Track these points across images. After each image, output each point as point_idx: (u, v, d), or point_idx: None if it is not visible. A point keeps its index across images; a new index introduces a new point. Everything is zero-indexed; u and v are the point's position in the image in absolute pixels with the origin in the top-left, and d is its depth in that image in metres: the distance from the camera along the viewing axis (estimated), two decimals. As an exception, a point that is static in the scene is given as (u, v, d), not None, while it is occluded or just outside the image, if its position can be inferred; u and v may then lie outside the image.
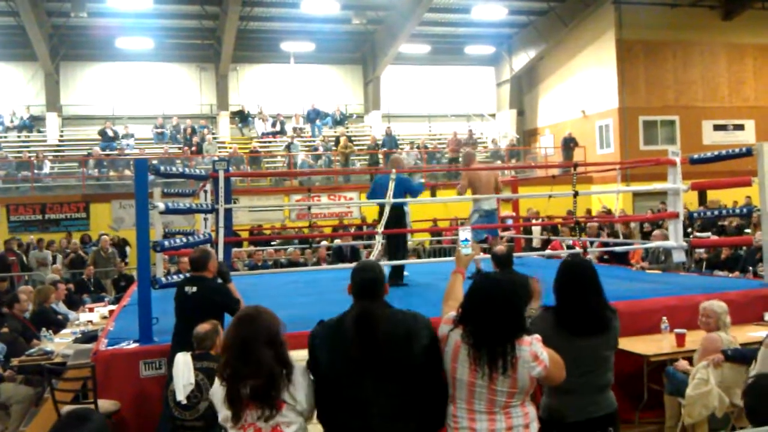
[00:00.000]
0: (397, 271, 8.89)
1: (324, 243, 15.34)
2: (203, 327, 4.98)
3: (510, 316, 3.17)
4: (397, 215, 8.64)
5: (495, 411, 3.16)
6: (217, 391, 3.10)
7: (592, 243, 11.49)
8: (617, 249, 11.04)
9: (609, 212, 16.17)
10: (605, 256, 11.79)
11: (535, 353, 3.15)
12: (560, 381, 3.33)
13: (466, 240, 3.96)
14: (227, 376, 3.04)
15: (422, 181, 9.46)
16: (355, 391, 3.21)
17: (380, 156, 23.76)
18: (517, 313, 3.21)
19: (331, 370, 3.25)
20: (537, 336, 3.24)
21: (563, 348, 3.48)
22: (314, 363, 3.31)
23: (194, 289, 5.53)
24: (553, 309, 3.92)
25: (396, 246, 9.01)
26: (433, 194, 19.51)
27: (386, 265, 8.85)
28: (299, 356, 3.42)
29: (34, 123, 24.80)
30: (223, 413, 3.08)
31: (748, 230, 13.94)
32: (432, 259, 14.00)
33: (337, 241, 15.32)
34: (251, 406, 2.99)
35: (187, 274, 6.18)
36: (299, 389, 3.10)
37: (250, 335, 3.04)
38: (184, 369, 4.82)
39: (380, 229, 8.16)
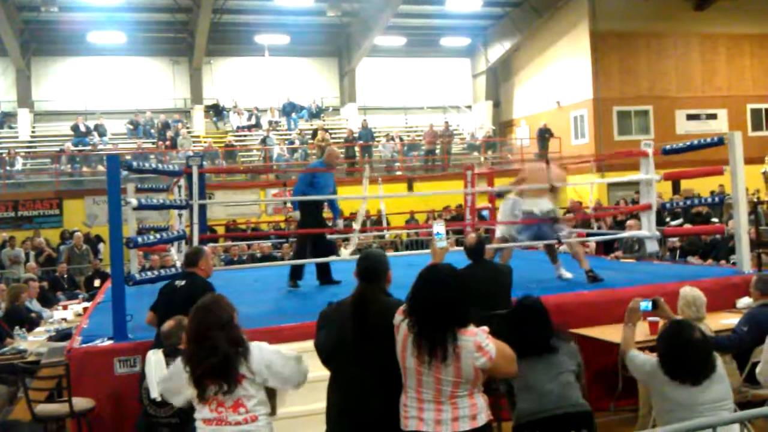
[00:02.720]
0: (296, 272, 8.44)
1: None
2: (168, 324, 4.97)
3: (449, 306, 3.27)
4: (303, 212, 8.39)
5: (442, 401, 3.24)
6: (180, 373, 3.49)
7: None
8: (604, 239, 11.13)
9: (579, 204, 16.29)
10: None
11: (479, 344, 3.23)
12: (511, 373, 3.50)
13: (440, 234, 4.02)
14: (189, 360, 3.46)
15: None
16: (345, 369, 3.52)
17: (357, 149, 23.73)
18: (458, 303, 3.29)
19: (326, 346, 3.61)
20: (484, 327, 3.33)
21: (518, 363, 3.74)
22: (317, 340, 3.68)
23: (183, 283, 5.57)
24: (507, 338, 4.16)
25: (300, 245, 8.66)
26: (410, 187, 19.52)
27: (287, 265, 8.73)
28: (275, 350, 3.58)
29: (5, 119, 24.44)
30: (188, 392, 3.50)
31: (714, 219, 14.10)
32: (408, 252, 14.01)
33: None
34: (211, 383, 3.37)
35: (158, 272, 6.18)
36: (255, 363, 3.45)
37: (204, 323, 3.47)
38: (156, 366, 4.80)
39: (357, 225, 8.13)
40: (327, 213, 9.22)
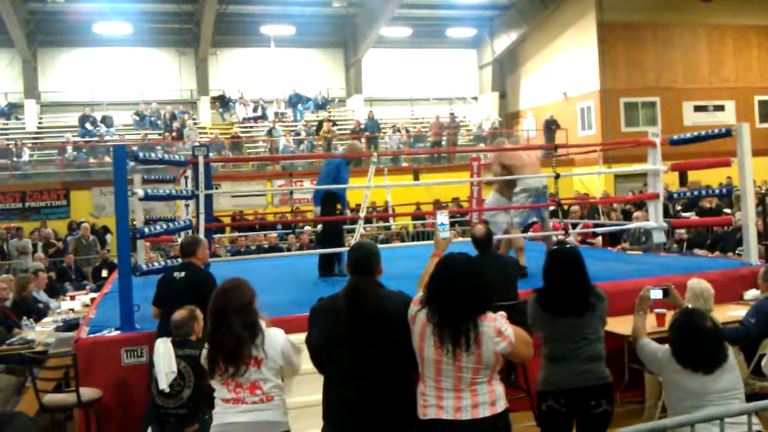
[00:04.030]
0: (329, 261, 8.40)
1: (307, 228, 15.29)
2: (180, 313, 4.97)
3: (471, 295, 3.29)
4: (325, 209, 8.36)
5: (461, 388, 3.26)
6: (204, 352, 3.65)
7: (575, 225, 11.53)
8: (611, 230, 11.10)
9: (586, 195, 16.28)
10: (587, 239, 11.86)
11: (499, 329, 3.26)
12: (528, 357, 3.51)
13: (444, 224, 4.02)
14: (208, 340, 3.60)
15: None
16: (340, 362, 3.47)
17: (363, 140, 23.70)
18: (478, 291, 3.32)
19: (321, 341, 3.52)
20: (502, 313, 3.36)
21: (548, 325, 4.13)
22: (309, 336, 3.59)
23: (182, 274, 5.59)
24: (540, 291, 4.26)
25: (329, 234, 8.61)
26: (416, 178, 19.50)
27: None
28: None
29: (12, 110, 24.49)
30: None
31: (726, 210, 14.04)
32: (414, 243, 14.01)
33: (320, 226, 15.30)
34: (224, 366, 3.49)
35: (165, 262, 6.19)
36: (272, 349, 3.55)
37: (222, 305, 3.57)
38: (165, 357, 4.81)
39: (362, 215, 8.07)
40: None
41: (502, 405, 3.31)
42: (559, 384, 4.04)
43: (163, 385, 4.76)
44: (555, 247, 4.39)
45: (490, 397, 3.27)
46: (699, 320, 4.00)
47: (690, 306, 5.04)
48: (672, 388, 4.03)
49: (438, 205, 16.99)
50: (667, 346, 4.09)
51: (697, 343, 3.90)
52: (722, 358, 3.88)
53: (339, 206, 8.69)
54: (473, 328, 3.21)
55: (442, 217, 4.09)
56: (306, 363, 3.77)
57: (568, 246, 4.38)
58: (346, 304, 3.47)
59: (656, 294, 4.52)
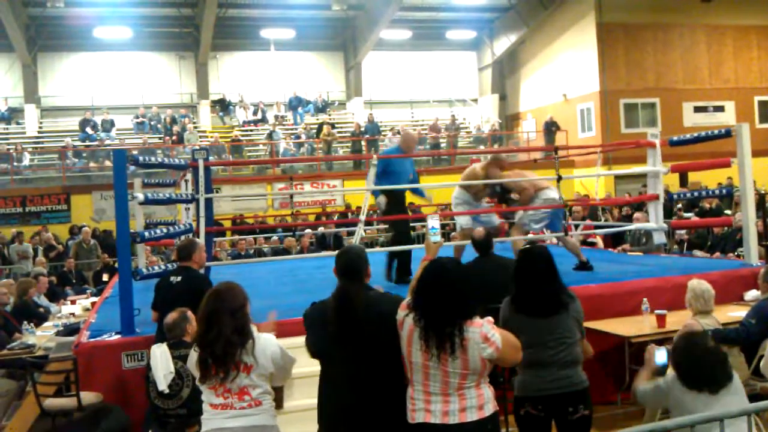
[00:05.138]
0: (405, 264, 7.89)
1: (308, 231, 15.29)
2: (171, 316, 5.03)
3: (456, 299, 3.28)
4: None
5: (449, 393, 3.26)
6: (192, 355, 3.57)
7: (576, 227, 11.54)
8: (612, 231, 11.10)
9: (586, 197, 16.29)
10: (589, 239, 11.86)
11: (485, 335, 3.25)
12: (516, 362, 3.50)
13: (435, 228, 4.01)
14: (197, 343, 3.54)
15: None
16: (332, 366, 3.51)
17: (363, 143, 23.71)
18: (464, 296, 3.31)
19: (315, 346, 3.57)
20: (489, 318, 3.35)
21: (523, 328, 3.90)
22: (307, 340, 3.61)
23: (179, 278, 5.60)
24: (512, 293, 4.18)
25: (398, 237, 8.08)
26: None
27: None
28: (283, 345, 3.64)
29: (12, 115, 24.51)
30: (196, 375, 3.57)
31: (727, 211, 14.05)
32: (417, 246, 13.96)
33: (321, 229, 15.35)
34: (215, 369, 3.45)
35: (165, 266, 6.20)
36: (262, 356, 3.50)
37: (214, 308, 3.52)
38: (162, 359, 4.84)
39: (362, 218, 7.95)
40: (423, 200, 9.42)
41: (490, 408, 3.31)
42: (535, 390, 3.98)
43: (162, 386, 4.78)
44: (526, 246, 4.35)
45: (478, 401, 3.27)
46: (701, 340, 4.01)
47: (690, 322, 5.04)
48: (678, 413, 3.96)
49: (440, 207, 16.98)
50: (667, 376, 4.08)
51: (701, 362, 3.88)
52: (727, 378, 3.85)
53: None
54: (459, 334, 3.20)
55: (433, 221, 4.07)
56: (299, 368, 3.77)
57: (538, 246, 4.31)
58: (335, 308, 3.48)
59: (661, 356, 4.26)
